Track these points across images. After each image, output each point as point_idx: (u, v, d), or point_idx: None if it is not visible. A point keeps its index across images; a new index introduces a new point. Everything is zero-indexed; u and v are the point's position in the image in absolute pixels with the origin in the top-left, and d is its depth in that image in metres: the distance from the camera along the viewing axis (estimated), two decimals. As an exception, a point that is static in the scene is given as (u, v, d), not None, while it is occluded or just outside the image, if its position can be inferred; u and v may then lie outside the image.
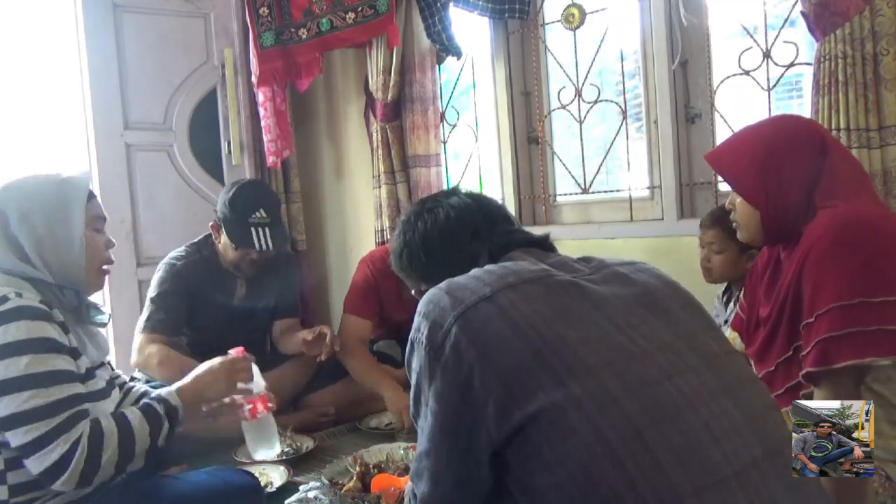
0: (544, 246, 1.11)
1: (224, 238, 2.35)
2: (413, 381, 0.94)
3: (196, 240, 2.47)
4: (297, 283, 2.67)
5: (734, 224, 1.47)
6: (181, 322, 2.35)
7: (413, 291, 1.20)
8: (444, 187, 3.15)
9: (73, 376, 1.32)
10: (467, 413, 0.86)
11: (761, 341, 1.41)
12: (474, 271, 0.97)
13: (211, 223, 2.41)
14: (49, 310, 1.32)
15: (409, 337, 0.94)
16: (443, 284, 0.95)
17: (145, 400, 1.44)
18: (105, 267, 1.49)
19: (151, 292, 2.34)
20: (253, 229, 2.28)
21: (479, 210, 1.15)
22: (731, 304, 2.07)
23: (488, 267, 0.98)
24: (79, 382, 1.33)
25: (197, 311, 2.39)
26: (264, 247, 2.28)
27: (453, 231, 1.12)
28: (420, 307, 0.94)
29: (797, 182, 1.33)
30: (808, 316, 1.24)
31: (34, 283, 1.36)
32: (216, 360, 1.58)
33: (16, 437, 1.25)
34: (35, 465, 1.25)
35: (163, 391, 1.47)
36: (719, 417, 0.84)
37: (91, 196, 1.47)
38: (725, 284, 2.16)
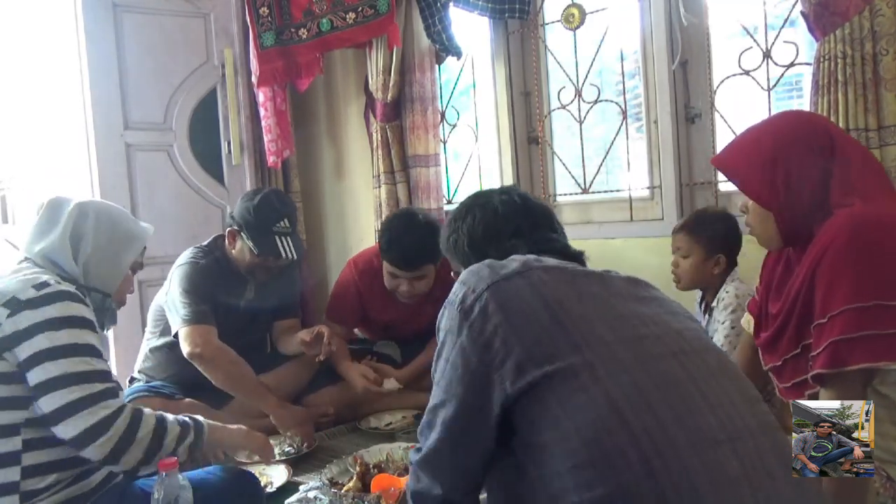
0: (576, 260, 1.19)
1: (241, 244, 2.34)
2: (440, 340, 1.02)
3: (204, 243, 2.45)
4: (298, 284, 2.67)
5: (748, 229, 1.44)
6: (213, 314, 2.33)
7: (453, 273, 1.29)
8: (444, 187, 3.16)
9: (103, 356, 1.41)
10: (484, 368, 0.93)
11: (769, 336, 1.40)
12: (513, 256, 1.06)
13: (228, 229, 2.38)
14: (83, 297, 1.44)
15: (445, 301, 1.03)
16: (484, 262, 1.05)
17: (180, 417, 1.53)
18: (122, 303, 1.66)
19: (181, 286, 2.28)
20: (277, 238, 2.30)
21: (525, 211, 1.23)
22: (707, 316, 2.07)
23: (519, 257, 1.07)
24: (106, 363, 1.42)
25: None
26: (289, 255, 2.31)
27: (497, 228, 1.21)
28: (461, 276, 1.03)
29: (807, 178, 1.29)
30: (821, 316, 1.22)
31: (67, 280, 1.46)
32: (258, 434, 1.76)
33: (53, 400, 1.30)
34: (70, 428, 1.30)
35: (197, 417, 1.56)
36: (717, 392, 0.92)
37: (144, 246, 1.67)
38: (701, 293, 2.15)
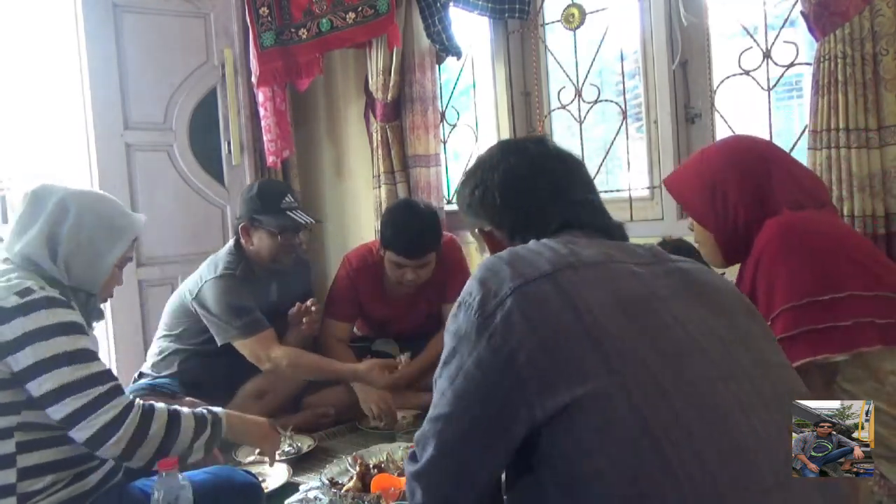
0: (614, 234, 1.07)
1: (259, 235, 2.38)
2: (450, 344, 0.90)
3: (224, 258, 2.41)
4: (309, 283, 2.71)
5: (696, 244, 1.53)
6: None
7: (470, 232, 1.17)
8: (444, 187, 3.16)
9: (98, 357, 1.40)
10: (505, 386, 0.83)
11: None
12: (535, 245, 0.95)
13: (241, 226, 2.41)
14: (68, 301, 1.41)
15: (458, 299, 0.90)
16: (504, 254, 0.92)
17: (196, 409, 1.53)
18: (109, 297, 1.61)
19: (221, 303, 2.29)
20: (290, 213, 2.38)
21: (561, 163, 1.10)
22: None
23: (550, 244, 0.95)
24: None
25: None
26: (307, 222, 2.41)
27: (534, 182, 1.07)
28: (476, 272, 0.91)
29: (743, 203, 1.38)
30: (765, 320, 1.27)
31: (50, 282, 1.42)
32: (267, 422, 1.73)
33: (63, 408, 1.31)
34: (84, 431, 1.31)
35: (213, 409, 1.56)
36: (769, 427, 0.81)
37: (135, 238, 1.58)
38: None
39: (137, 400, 1.41)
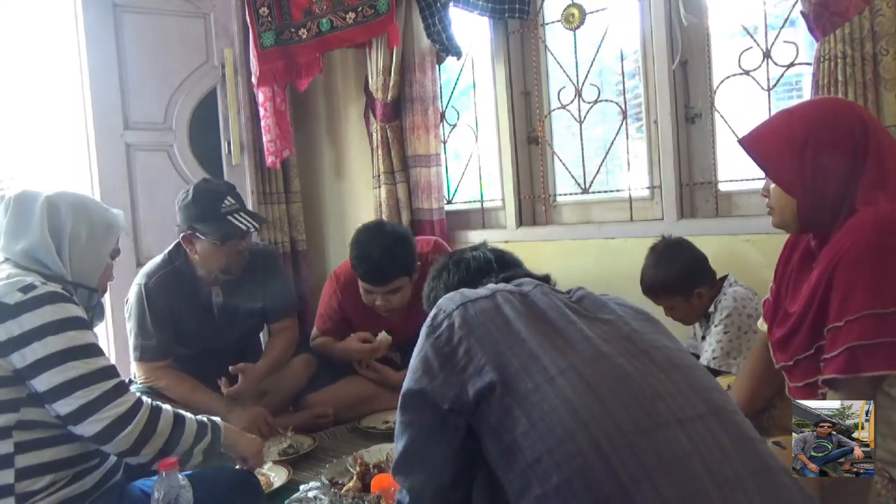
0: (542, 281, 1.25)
1: (202, 244, 2.19)
2: (412, 360, 1.09)
3: (168, 250, 2.33)
4: (285, 280, 2.58)
5: (768, 210, 1.40)
6: (169, 342, 2.27)
7: None
8: (444, 187, 3.16)
9: (103, 353, 1.42)
10: (444, 373, 1.02)
11: (783, 334, 1.37)
12: (488, 285, 1.17)
13: (181, 236, 2.23)
14: (71, 296, 1.42)
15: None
16: (457, 290, 1.16)
17: (197, 416, 1.55)
18: (104, 292, 1.66)
19: (129, 317, 2.26)
20: (230, 217, 2.16)
21: (496, 258, 1.36)
22: (706, 321, 2.11)
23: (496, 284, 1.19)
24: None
25: (177, 324, 2.29)
26: (250, 227, 2.18)
27: (471, 277, 1.32)
28: (438, 301, 1.14)
29: (835, 168, 1.26)
30: (837, 319, 1.20)
31: (50, 278, 1.44)
32: (257, 438, 1.74)
33: (73, 401, 1.32)
34: (93, 426, 1.33)
35: (213, 418, 1.58)
36: (665, 383, 0.97)
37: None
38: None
39: (145, 397, 1.42)
